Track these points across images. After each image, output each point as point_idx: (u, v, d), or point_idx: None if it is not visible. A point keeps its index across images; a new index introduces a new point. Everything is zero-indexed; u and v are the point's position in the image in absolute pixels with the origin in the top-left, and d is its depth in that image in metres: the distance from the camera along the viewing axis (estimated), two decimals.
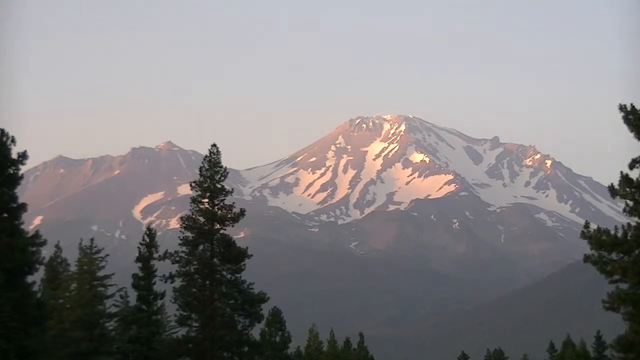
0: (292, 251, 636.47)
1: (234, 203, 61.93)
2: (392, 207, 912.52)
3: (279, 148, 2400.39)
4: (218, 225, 61.17)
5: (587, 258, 42.34)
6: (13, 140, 44.82)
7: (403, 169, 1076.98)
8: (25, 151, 45.19)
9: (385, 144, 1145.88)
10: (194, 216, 60.97)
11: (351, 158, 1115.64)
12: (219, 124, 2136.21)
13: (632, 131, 41.54)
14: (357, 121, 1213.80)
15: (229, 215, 61.06)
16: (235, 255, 60.56)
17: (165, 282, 59.64)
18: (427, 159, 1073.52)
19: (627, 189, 41.35)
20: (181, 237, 60.77)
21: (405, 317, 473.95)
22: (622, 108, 41.65)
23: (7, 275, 43.48)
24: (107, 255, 72.50)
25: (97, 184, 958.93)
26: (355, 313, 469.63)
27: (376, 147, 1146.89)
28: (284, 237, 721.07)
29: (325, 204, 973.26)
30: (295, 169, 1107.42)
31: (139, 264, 61.68)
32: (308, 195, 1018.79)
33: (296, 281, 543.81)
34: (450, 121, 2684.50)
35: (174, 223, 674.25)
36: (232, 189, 63.06)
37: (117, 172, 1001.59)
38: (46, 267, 70.86)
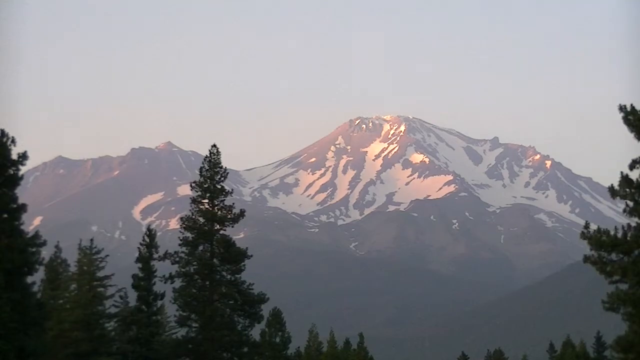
0: (291, 251, 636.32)
1: (233, 204, 62.01)
2: (391, 208, 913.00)
3: (278, 148, 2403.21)
4: (218, 226, 61.25)
5: (586, 258, 42.31)
6: (13, 141, 44.81)
7: (403, 169, 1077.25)
8: (25, 152, 45.20)
9: (385, 145, 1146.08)
10: (193, 217, 61.02)
11: (351, 158, 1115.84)
12: (219, 124, 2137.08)
13: (632, 132, 41.53)
14: (357, 122, 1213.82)
15: (229, 216, 61.13)
16: (235, 256, 60.62)
17: (165, 282, 59.68)
18: (426, 160, 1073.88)
19: (627, 190, 41.32)
20: (181, 238, 60.83)
21: (405, 318, 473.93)
22: (622, 108, 41.64)
23: (6, 276, 43.47)
24: (107, 255, 72.51)
25: (97, 184, 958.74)
26: (355, 313, 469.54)
27: (376, 147, 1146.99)
28: (283, 237, 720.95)
29: (325, 205, 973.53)
30: (295, 169, 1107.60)
31: (139, 265, 61.69)
32: (308, 196, 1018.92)
33: (296, 281, 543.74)
34: (450, 122, 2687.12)
35: (174, 223, 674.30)
36: (232, 190, 63.16)
37: (116, 172, 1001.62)
38: (46, 268, 70.83)
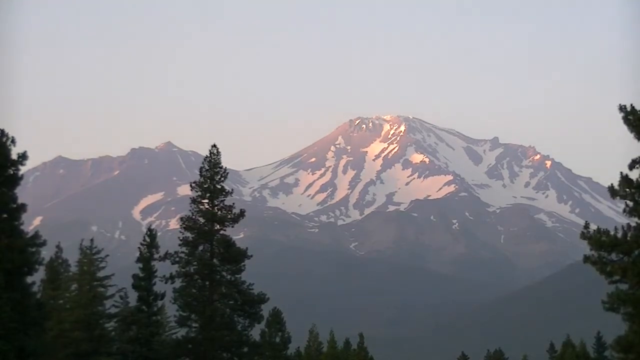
0: (292, 251, 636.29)
1: (233, 204, 61.96)
2: (391, 208, 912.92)
3: (278, 148, 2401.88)
4: (218, 226, 61.20)
5: (586, 258, 42.27)
6: (13, 141, 44.78)
7: (403, 169, 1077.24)
8: (25, 152, 45.16)
9: (385, 145, 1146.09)
10: (193, 217, 60.97)
11: (351, 158, 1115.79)
12: (219, 124, 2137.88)
13: (632, 132, 41.50)
14: (357, 122, 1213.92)
15: (229, 216, 61.09)
16: (235, 256, 60.57)
17: (166, 282, 59.65)
18: (426, 160, 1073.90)
19: (627, 190, 41.29)
20: (181, 238, 60.78)
21: (405, 318, 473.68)
22: (622, 108, 41.61)
23: (6, 276, 43.45)
24: (107, 255, 72.66)
25: (96, 184, 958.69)
26: (355, 313, 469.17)
27: (376, 147, 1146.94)
28: (283, 237, 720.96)
29: (325, 205, 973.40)
30: (295, 169, 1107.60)
31: (140, 265, 61.66)
32: (308, 196, 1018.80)
33: (296, 281, 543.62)
34: (450, 122, 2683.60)
35: (174, 223, 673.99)
36: (232, 190, 63.07)
37: (116, 172, 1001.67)
38: (46, 268, 70.90)
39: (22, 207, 44.99)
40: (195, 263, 60.31)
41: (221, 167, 61.63)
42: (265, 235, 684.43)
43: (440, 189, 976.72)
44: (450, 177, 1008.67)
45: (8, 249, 43.56)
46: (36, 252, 45.04)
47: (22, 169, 45.25)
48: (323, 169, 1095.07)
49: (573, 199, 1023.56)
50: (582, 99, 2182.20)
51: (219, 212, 61.03)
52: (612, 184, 41.87)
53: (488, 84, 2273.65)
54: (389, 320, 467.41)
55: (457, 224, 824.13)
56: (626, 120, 41.48)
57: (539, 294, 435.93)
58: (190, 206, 61.52)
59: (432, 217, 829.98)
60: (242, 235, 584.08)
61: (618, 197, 41.80)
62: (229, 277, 60.87)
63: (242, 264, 60.88)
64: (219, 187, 61.48)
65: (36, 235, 45.50)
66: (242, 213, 61.62)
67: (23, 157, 45.01)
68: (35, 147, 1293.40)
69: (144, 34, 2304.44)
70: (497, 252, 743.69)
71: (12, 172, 44.68)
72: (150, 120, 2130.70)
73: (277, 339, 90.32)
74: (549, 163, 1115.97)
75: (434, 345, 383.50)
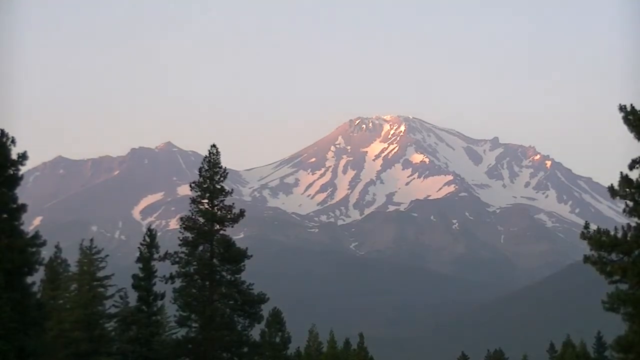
0: (291, 252, 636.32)
1: (233, 204, 61.90)
2: (391, 208, 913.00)
3: (278, 148, 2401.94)
4: (218, 226, 61.13)
5: (586, 259, 42.25)
6: (13, 141, 44.75)
7: (403, 169, 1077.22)
8: (25, 152, 45.11)
9: (385, 145, 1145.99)
10: (193, 217, 60.91)
11: (351, 159, 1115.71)
12: (219, 124, 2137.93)
13: (632, 132, 41.49)
14: (357, 122, 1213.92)
15: (229, 216, 61.03)
16: (235, 256, 60.52)
17: (166, 282, 59.61)
18: (426, 160, 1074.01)
19: (627, 190, 41.27)
20: (181, 238, 60.72)
21: (405, 318, 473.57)
22: (622, 108, 41.60)
23: (6, 276, 43.43)
24: (107, 255, 72.64)
25: (96, 184, 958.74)
26: (355, 313, 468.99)
27: (376, 147, 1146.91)
28: (283, 237, 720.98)
29: (325, 205, 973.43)
30: (294, 169, 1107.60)
31: (140, 265, 61.62)
32: (308, 196, 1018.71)
33: (296, 281, 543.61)
34: (450, 122, 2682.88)
35: (174, 223, 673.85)
36: (232, 190, 63.01)
37: (116, 172, 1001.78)
38: (46, 268, 70.86)
39: (22, 207, 44.95)
40: (195, 263, 60.25)
41: (221, 167, 61.57)
42: (265, 235, 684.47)
43: (440, 189, 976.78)
44: (450, 177, 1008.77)
45: (8, 249, 43.53)
46: (36, 252, 44.99)
47: (22, 169, 45.20)
48: (323, 169, 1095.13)
49: (573, 199, 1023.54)
50: (582, 99, 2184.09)
51: (219, 212, 60.97)
52: (612, 184, 41.86)
53: (488, 84, 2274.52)
54: (389, 320, 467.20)
55: (457, 224, 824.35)
56: (626, 120, 41.47)
57: (539, 294, 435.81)
58: (190, 206, 61.47)
59: (432, 217, 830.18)
60: (242, 235, 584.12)
61: (618, 197, 41.78)
62: (229, 277, 60.82)
63: (242, 264, 60.83)
64: (218, 187, 61.43)
65: (36, 235, 45.46)
66: (242, 213, 61.57)
67: (23, 157, 44.98)
68: (35, 147, 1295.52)
69: (144, 34, 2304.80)
70: (497, 252, 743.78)
71: (12, 172, 44.64)
72: (150, 120, 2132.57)
73: (277, 339, 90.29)
74: (549, 163, 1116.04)
75: (434, 345, 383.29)
